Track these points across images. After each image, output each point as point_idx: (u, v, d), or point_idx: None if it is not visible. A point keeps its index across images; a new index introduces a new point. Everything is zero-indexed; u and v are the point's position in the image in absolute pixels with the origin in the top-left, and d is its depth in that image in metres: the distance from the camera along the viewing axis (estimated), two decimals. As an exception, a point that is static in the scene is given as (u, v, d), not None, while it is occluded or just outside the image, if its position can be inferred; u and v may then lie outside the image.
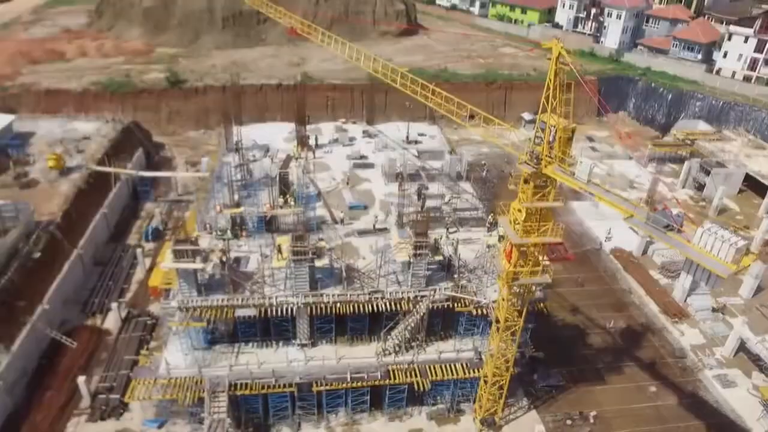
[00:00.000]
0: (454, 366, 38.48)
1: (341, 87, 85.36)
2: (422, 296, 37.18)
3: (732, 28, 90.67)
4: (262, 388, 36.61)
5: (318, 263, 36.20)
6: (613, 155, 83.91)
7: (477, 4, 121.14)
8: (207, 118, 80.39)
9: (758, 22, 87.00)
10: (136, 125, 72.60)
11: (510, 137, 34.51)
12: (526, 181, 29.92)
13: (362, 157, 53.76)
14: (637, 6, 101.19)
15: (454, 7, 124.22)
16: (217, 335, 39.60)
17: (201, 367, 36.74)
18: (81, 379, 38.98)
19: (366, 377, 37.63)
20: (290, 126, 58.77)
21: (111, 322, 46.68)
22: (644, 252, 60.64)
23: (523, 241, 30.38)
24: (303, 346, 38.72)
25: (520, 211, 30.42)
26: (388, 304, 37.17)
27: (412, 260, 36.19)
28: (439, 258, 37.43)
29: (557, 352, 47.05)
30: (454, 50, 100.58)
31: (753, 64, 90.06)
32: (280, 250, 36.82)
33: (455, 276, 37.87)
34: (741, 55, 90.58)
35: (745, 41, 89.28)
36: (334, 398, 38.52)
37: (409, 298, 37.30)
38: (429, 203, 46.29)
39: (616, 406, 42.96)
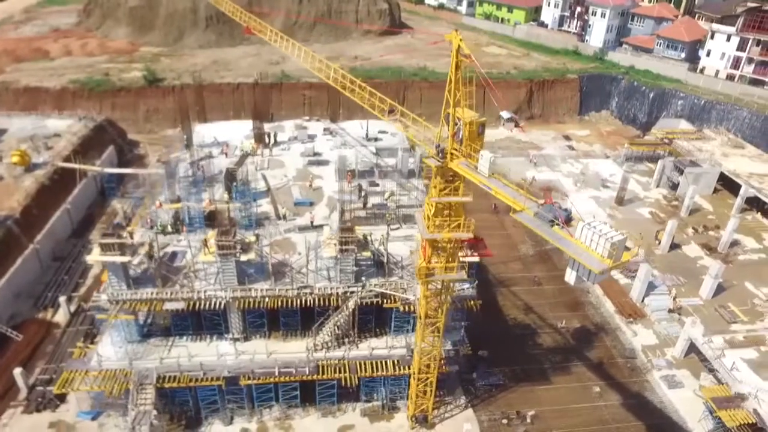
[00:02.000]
0: (385, 363, 38.40)
1: (317, 85, 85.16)
2: (351, 292, 37.21)
3: (714, 26, 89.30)
4: (190, 381, 36.89)
5: (244, 258, 36.36)
6: (590, 154, 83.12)
7: (464, 3, 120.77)
8: (189, 116, 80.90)
9: (740, 20, 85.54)
10: (110, 123, 73.51)
11: (426, 134, 34.17)
12: (435, 176, 29.78)
13: (316, 154, 53.85)
14: (622, 4, 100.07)
15: (441, 6, 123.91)
16: (154, 329, 40.08)
17: (132, 360, 37.12)
18: (17, 371, 39.58)
19: (294, 372, 37.70)
20: (257, 124, 59.09)
21: (60, 315, 47.33)
22: (607, 251, 59.91)
23: (432, 236, 30.22)
24: (236, 340, 38.96)
25: (430, 206, 30.29)
26: (317, 299, 37.26)
27: (338, 256, 36.24)
28: (367, 254, 37.38)
29: (505, 351, 46.81)
30: (437, 48, 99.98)
31: (736, 63, 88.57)
32: (206, 245, 37.05)
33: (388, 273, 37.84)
34: (724, 54, 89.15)
35: (728, 40, 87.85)
36: (263, 392, 38.64)
37: (338, 293, 37.36)
38: (376, 200, 46.39)
39: (558, 405, 42.55)
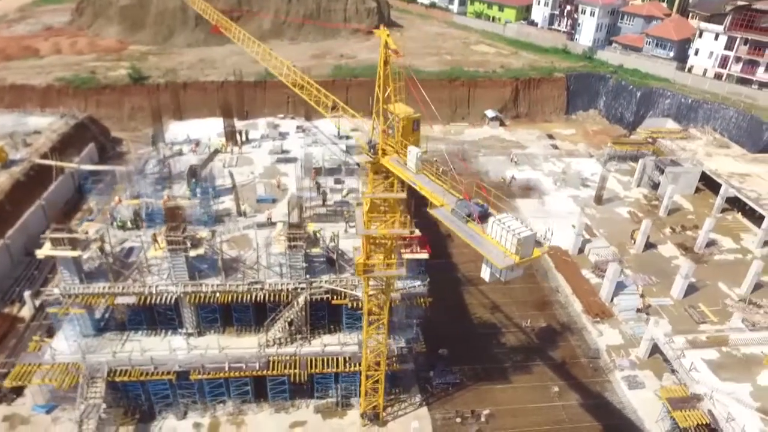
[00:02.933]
0: (337, 360, 38.44)
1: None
2: (301, 288, 37.30)
3: (703, 24, 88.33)
4: (141, 375, 37.18)
5: (193, 253, 36.56)
6: (574, 153, 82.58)
7: (456, 1, 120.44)
8: (170, 114, 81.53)
9: (728, 19, 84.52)
10: (92, 120, 74.17)
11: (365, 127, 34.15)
12: (370, 172, 29.79)
13: (284, 151, 54.01)
14: (611, 3, 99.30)
15: (433, 5, 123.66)
16: (111, 323, 40.42)
17: (85, 354, 37.44)
18: (-26, 364, 40.08)
19: (245, 367, 37.87)
20: (228, 121, 59.39)
21: (26, 310, 47.83)
22: (581, 251, 59.58)
23: (367, 232, 30.21)
24: (189, 335, 39.16)
25: (366, 202, 30.30)
26: (267, 295, 37.36)
27: (288, 252, 36.33)
28: (317, 250, 37.45)
29: (467, 349, 46.70)
30: (425, 47, 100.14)
31: (724, 62, 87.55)
32: (155, 240, 37.31)
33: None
34: (712, 53, 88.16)
35: (716, 38, 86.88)
36: (215, 387, 38.85)
37: (288, 289, 37.44)
38: (337, 197, 46.46)
39: (515, 405, 42.34)
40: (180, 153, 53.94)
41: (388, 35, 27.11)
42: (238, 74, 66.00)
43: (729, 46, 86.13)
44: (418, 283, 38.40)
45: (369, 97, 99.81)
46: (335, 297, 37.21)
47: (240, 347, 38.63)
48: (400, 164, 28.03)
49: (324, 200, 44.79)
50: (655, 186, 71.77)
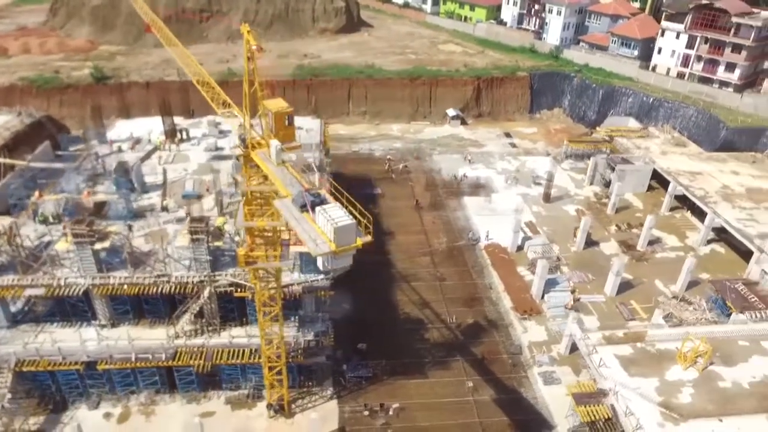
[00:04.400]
0: (243, 352, 39.09)
1: (261, 83, 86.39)
2: (206, 281, 38.00)
3: (664, 23, 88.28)
4: (49, 365, 37.98)
5: (99, 246, 37.37)
6: (532, 152, 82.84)
7: (429, 1, 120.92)
8: (128, 113, 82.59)
9: (689, 17, 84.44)
10: (50, 119, 75.10)
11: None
12: (244, 165, 30.41)
13: (218, 149, 54.80)
14: (578, 2, 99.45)
15: (407, 5, 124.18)
16: (28, 316, 41.26)
17: (-5, 345, 38.32)
18: None
19: (151, 358, 38.60)
20: (167, 120, 60.28)
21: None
22: (520, 248, 59.88)
23: (246, 224, 30.83)
24: (103, 326, 39.97)
25: (245, 194, 30.91)
26: (174, 287, 38.12)
27: (191, 245, 37.03)
28: (219, 244, 38.12)
29: (389, 344, 47.16)
30: (390, 47, 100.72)
31: (686, 61, 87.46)
32: (65, 233, 38.12)
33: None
34: (674, 52, 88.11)
35: (677, 37, 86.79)
36: (124, 377, 39.60)
37: (193, 282, 38.19)
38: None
39: (427, 399, 42.69)
40: (119, 150, 54.93)
41: (248, 31, 27.73)
42: (181, 74, 66.51)
43: (690, 44, 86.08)
44: (321, 276, 38.97)
45: (331, 95, 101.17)
46: (238, 290, 37.86)
47: (151, 338, 39.38)
48: (265, 157, 28.61)
49: (243, 194, 45.38)
50: (607, 184, 71.91)
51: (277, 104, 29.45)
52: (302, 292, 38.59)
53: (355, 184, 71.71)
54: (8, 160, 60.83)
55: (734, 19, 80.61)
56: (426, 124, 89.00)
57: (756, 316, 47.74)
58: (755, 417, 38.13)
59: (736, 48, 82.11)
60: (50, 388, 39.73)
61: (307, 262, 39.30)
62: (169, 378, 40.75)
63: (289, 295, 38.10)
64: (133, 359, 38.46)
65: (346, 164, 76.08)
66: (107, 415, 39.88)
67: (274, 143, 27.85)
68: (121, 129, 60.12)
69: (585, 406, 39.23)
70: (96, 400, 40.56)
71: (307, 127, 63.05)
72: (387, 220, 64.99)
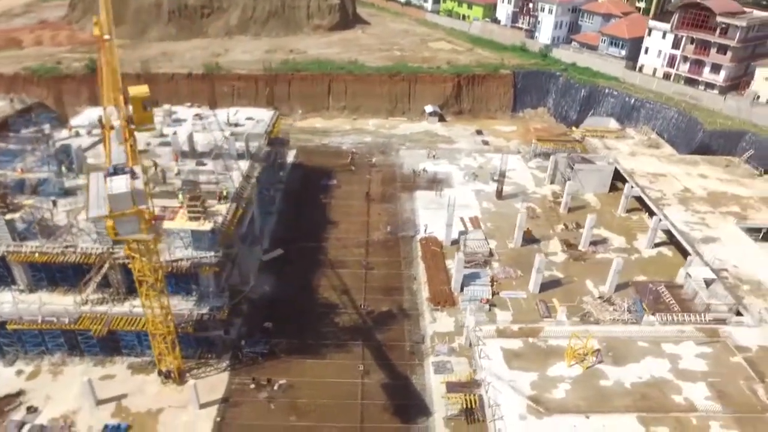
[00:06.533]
0: (139, 320, 42.02)
1: (245, 77, 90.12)
2: (107, 253, 41.27)
3: (651, 22, 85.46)
4: (-37, 324, 42.24)
5: (9, 217, 41.26)
6: (503, 150, 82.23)
7: (430, 0, 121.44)
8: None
9: (675, 17, 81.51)
10: (41, 105, 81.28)
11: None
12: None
13: (162, 135, 58.21)
14: (570, 1, 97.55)
15: (408, 3, 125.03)
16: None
17: None
18: None
19: (56, 321, 42.20)
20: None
21: None
22: (455, 242, 60.29)
23: (98, 215, 33.46)
24: (21, 291, 44.01)
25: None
26: (79, 257, 41.62)
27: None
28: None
29: (297, 326, 49.09)
30: (380, 44, 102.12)
31: (672, 61, 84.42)
32: (-14, 205, 42.25)
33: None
34: (660, 52, 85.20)
35: (663, 37, 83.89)
36: (33, 338, 43.40)
37: (96, 253, 41.54)
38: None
39: (317, 378, 44.29)
40: (77, 134, 59.38)
41: (96, 23, 30.32)
42: (145, 66, 71.04)
43: (676, 45, 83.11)
44: (212, 254, 41.42)
45: (311, 90, 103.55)
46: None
47: (62, 304, 43.06)
48: (113, 138, 31.20)
49: (163, 178, 48.53)
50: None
51: (139, 90, 32.02)
52: (190, 267, 41.11)
53: (313, 176, 74.20)
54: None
55: (719, 19, 77.35)
56: (403, 120, 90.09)
57: (665, 319, 46.72)
58: (625, 416, 38.01)
59: (722, 49, 78.76)
60: (-34, 345, 44.02)
61: (197, 239, 41.94)
62: (76, 342, 44.23)
63: (175, 269, 40.85)
64: (39, 321, 42.15)
65: (311, 156, 78.50)
66: (19, 372, 43.75)
67: (116, 126, 30.41)
68: (86, 115, 64.70)
69: (454, 395, 40.11)
70: (12, 358, 44.58)
71: (258, 117, 65.95)
72: (334, 209, 66.85)
